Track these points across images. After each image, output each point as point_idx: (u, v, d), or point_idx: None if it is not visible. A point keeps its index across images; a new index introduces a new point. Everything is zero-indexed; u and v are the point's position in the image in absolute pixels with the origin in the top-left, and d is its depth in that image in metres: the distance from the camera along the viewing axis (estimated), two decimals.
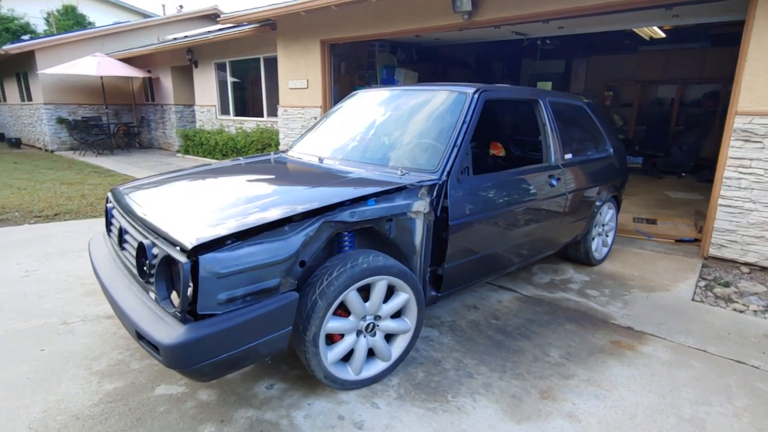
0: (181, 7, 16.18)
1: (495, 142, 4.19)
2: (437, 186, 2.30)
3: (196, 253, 1.59)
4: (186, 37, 10.56)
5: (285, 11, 6.36)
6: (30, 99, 12.56)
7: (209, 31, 9.45)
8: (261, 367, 2.29)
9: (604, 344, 2.65)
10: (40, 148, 12.53)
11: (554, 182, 3.06)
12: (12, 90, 13.77)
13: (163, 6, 18.08)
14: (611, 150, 3.86)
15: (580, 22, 5.73)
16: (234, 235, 1.67)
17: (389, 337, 2.24)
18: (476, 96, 2.63)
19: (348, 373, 2.07)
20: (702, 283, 3.59)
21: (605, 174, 3.72)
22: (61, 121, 12.00)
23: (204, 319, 1.61)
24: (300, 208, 1.87)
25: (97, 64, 10.65)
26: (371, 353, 2.17)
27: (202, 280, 1.58)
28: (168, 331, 1.59)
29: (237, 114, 10.12)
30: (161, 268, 1.75)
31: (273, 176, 2.59)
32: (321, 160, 2.81)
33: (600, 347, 2.61)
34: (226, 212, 1.90)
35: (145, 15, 18.50)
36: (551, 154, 3.14)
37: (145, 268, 1.82)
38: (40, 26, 19.70)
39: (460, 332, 2.73)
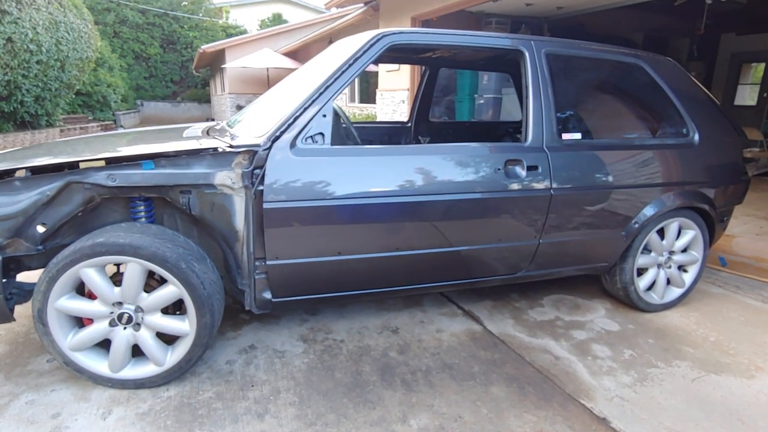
0: None
1: None
2: (256, 154, 1.72)
3: None
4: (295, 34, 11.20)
5: None
6: (224, 90, 15.31)
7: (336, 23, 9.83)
8: None
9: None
10: None
11: (520, 172, 2.04)
12: (217, 83, 17.04)
13: None
14: (695, 136, 2.42)
15: None
16: None
17: (174, 339, 1.79)
18: (369, 42, 1.89)
19: (103, 367, 1.72)
20: None
21: (670, 171, 2.36)
22: (239, 107, 14.29)
23: None
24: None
25: (262, 58, 12.24)
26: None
27: None
28: None
29: (361, 101, 10.35)
30: None
31: (131, 141, 2.29)
32: (206, 130, 2.41)
33: None
34: None
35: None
36: (529, 132, 2.10)
37: None
38: (255, 31, 23.86)
39: (329, 357, 2.05)
